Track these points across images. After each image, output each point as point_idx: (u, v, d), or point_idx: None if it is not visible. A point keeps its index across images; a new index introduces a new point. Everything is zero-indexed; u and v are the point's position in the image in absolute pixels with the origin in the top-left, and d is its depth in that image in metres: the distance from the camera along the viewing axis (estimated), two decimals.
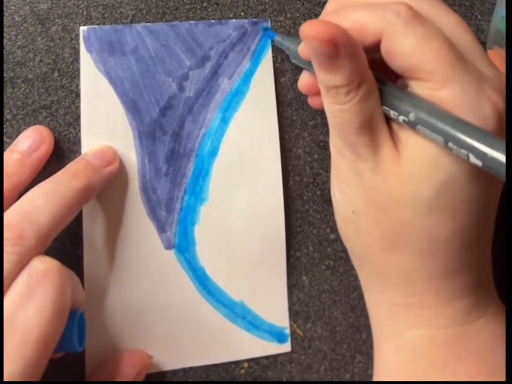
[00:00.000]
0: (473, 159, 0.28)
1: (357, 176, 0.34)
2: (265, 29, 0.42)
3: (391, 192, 0.32)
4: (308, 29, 0.30)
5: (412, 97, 0.32)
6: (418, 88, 0.32)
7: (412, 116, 0.31)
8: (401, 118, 0.31)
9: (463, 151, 0.28)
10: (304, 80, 0.40)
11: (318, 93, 0.37)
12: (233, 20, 0.42)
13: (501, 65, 0.44)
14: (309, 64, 0.37)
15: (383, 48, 0.32)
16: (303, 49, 0.36)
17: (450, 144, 0.29)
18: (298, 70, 0.43)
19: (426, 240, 0.33)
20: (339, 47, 0.30)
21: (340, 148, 0.34)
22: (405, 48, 0.31)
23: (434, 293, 0.34)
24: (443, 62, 0.30)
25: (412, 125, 0.31)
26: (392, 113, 0.32)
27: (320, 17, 0.39)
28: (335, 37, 0.30)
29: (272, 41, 0.42)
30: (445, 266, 0.34)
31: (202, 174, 0.41)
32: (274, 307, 0.41)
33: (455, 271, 0.34)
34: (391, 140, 0.33)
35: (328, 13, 0.37)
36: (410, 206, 0.32)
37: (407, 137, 0.32)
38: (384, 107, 0.33)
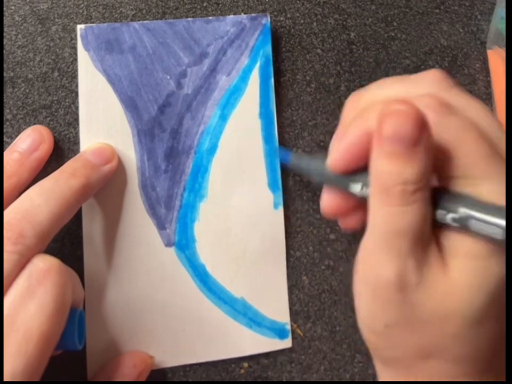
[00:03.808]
0: None
1: (399, 292, 0.29)
2: (280, 153, 0.41)
3: (438, 309, 0.29)
4: (397, 103, 0.28)
5: (456, 194, 0.29)
6: (454, 187, 0.30)
7: (462, 211, 0.28)
8: (449, 216, 0.29)
9: None
10: (329, 202, 0.35)
11: (347, 213, 0.35)
12: (231, 16, 0.42)
13: (501, 65, 0.44)
14: (339, 179, 0.33)
15: None
16: (336, 160, 0.32)
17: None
18: (298, 70, 0.43)
19: (469, 348, 0.30)
20: (423, 134, 0.27)
21: (384, 260, 0.29)
22: (441, 143, 0.29)
23: None
24: (481, 156, 0.28)
25: (462, 222, 0.28)
26: (439, 213, 0.29)
27: (341, 127, 0.35)
28: (423, 119, 0.27)
29: (285, 164, 0.41)
30: (481, 367, 0.31)
31: (201, 171, 0.41)
32: (274, 303, 0.41)
33: (487, 370, 0.31)
34: (438, 250, 0.30)
35: (352, 120, 0.33)
36: (459, 320, 0.29)
37: (454, 244, 0.30)
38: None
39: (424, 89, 0.32)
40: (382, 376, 0.35)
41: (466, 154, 0.29)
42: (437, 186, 0.30)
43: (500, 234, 0.27)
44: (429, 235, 0.30)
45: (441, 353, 0.30)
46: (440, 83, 0.32)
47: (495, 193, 0.28)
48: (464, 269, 0.29)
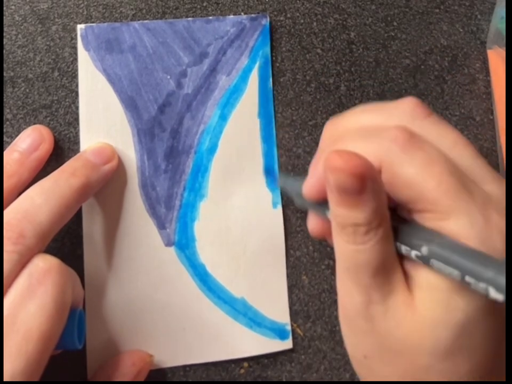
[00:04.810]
0: (493, 293, 0.26)
1: (367, 322, 0.30)
2: (268, 171, 0.42)
3: (406, 339, 0.29)
4: (336, 159, 0.28)
5: (422, 230, 0.29)
6: (422, 220, 0.30)
7: (424, 250, 0.28)
8: (413, 253, 0.29)
9: (482, 285, 0.26)
10: (314, 225, 0.37)
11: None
12: (231, 16, 0.42)
13: (501, 65, 0.44)
14: (315, 206, 0.34)
15: (383, 179, 0.30)
16: (309, 188, 0.34)
17: (467, 278, 0.27)
18: (298, 70, 0.43)
19: (447, 378, 0.30)
20: (366, 183, 0.28)
21: (350, 290, 0.30)
22: (405, 178, 0.29)
23: None
24: (446, 191, 0.28)
25: (425, 260, 0.28)
26: (404, 249, 0.30)
27: (318, 154, 0.36)
28: (363, 171, 0.27)
29: (276, 183, 0.42)
30: None
31: (201, 170, 0.41)
32: (275, 303, 0.41)
33: None
34: (404, 281, 0.30)
35: (326, 148, 0.34)
36: (428, 352, 0.29)
37: (420, 276, 0.30)
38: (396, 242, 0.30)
39: (397, 118, 0.32)
40: None
41: (431, 189, 0.29)
42: (403, 218, 0.31)
43: (458, 275, 0.27)
44: (393, 265, 0.30)
45: None
46: (414, 112, 0.32)
47: (462, 227, 0.28)
48: (428, 302, 0.29)
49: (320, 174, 0.32)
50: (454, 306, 0.28)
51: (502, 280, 0.26)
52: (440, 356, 0.29)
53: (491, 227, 0.28)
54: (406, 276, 0.30)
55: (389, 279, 0.30)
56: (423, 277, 0.29)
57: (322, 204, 0.33)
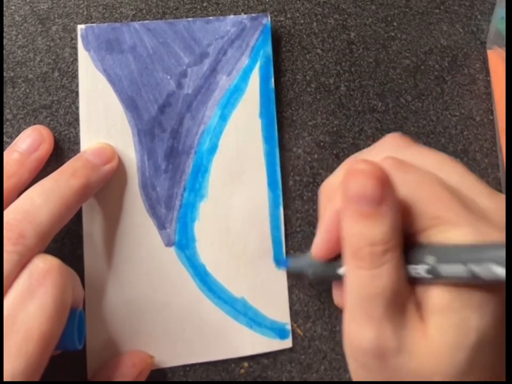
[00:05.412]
0: (499, 271, 0.26)
1: (378, 359, 0.29)
2: (278, 261, 0.42)
3: (420, 368, 0.29)
4: (358, 163, 0.28)
5: (425, 245, 0.29)
6: (425, 238, 0.30)
7: (430, 259, 0.28)
8: (421, 267, 0.29)
9: (486, 266, 0.26)
10: (338, 294, 0.37)
11: None
12: (232, 16, 0.42)
13: (501, 65, 0.44)
14: (327, 267, 0.35)
15: None
16: (317, 247, 0.34)
17: (471, 267, 0.27)
18: (298, 70, 0.43)
19: None
20: (386, 191, 0.28)
21: (360, 325, 0.29)
22: (400, 200, 0.29)
23: None
24: (442, 204, 0.29)
25: (434, 271, 0.28)
26: (413, 269, 0.29)
27: (319, 218, 0.37)
28: (385, 177, 0.28)
29: (287, 268, 0.42)
30: None
31: (201, 170, 0.41)
32: (275, 303, 0.41)
33: None
34: (416, 309, 0.29)
35: (324, 207, 0.36)
36: (443, 376, 0.29)
37: (431, 300, 0.29)
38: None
39: (383, 154, 0.33)
40: None
41: (427, 205, 0.29)
42: (405, 243, 0.30)
43: (464, 272, 0.27)
44: (406, 294, 0.29)
45: None
46: (396, 144, 0.34)
47: (464, 236, 0.28)
48: (441, 326, 0.29)
49: (326, 231, 0.33)
50: (467, 327, 0.28)
51: (503, 254, 0.26)
52: (455, 378, 0.29)
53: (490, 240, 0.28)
54: (417, 304, 0.30)
55: (402, 309, 0.29)
56: (434, 301, 0.29)
57: (333, 262, 0.34)
